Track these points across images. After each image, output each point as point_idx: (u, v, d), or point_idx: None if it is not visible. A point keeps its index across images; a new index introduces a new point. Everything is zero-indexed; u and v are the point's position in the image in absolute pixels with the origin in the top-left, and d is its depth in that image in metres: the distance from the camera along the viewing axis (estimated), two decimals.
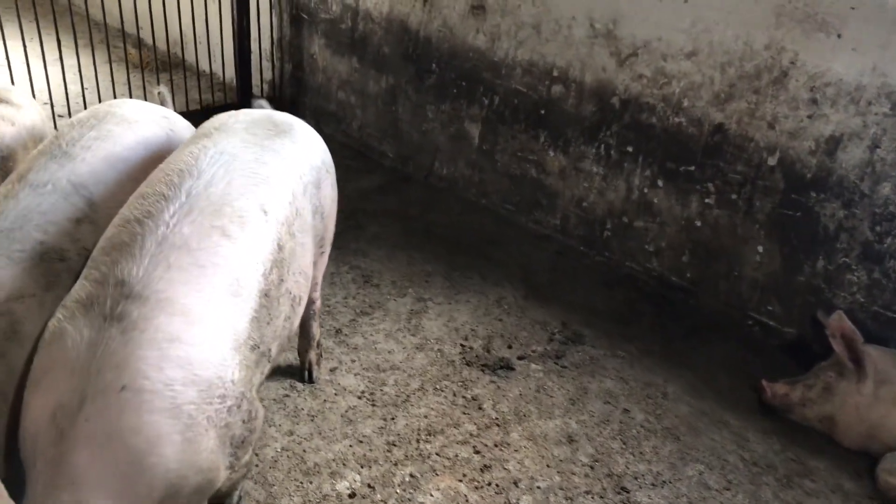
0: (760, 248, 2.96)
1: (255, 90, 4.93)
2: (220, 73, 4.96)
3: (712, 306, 3.17)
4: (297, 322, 2.02)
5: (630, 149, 3.27)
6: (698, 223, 3.13)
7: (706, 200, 3.07)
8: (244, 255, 1.72)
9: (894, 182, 2.58)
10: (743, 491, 2.38)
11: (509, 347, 2.94)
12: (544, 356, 2.91)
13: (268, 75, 4.99)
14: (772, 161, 2.84)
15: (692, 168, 3.08)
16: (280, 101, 4.99)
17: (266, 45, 4.88)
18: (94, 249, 1.68)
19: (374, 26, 4.21)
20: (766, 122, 2.82)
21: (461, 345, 2.93)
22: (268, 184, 1.88)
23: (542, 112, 3.56)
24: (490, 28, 3.65)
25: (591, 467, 2.42)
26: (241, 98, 4.91)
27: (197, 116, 2.63)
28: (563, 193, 3.60)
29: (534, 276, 3.41)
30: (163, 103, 2.56)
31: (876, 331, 2.69)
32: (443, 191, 4.11)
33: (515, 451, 2.46)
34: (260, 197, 1.83)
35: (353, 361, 2.78)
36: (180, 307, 1.53)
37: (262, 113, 2.26)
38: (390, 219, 3.80)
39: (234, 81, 4.90)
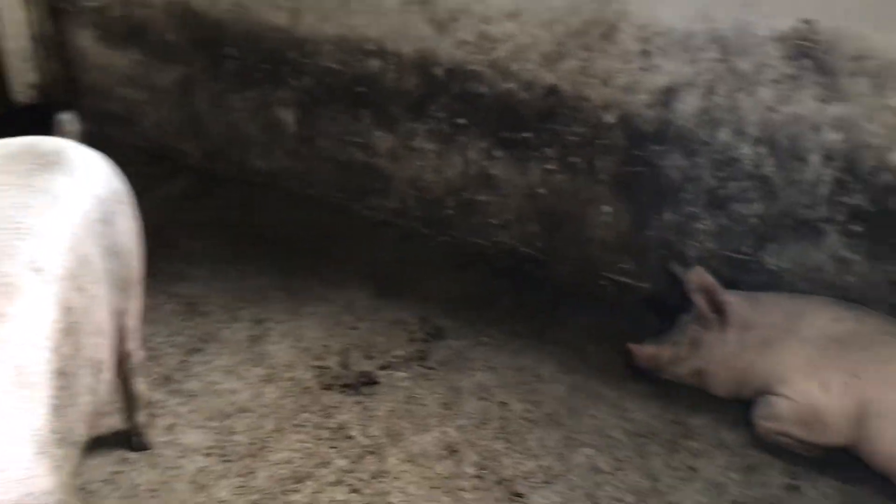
0: (607, 209, 2.87)
1: (20, 97, 4.22)
2: None
3: (566, 273, 3.07)
4: (104, 389, 1.68)
5: (462, 121, 3.06)
6: (541, 190, 2.99)
7: (547, 166, 2.93)
8: (23, 334, 1.35)
9: (731, 127, 2.55)
10: (633, 466, 2.29)
11: (369, 358, 2.67)
12: (408, 360, 2.67)
13: (32, 78, 4.29)
14: (610, 118, 2.73)
15: (528, 134, 2.92)
16: (51, 107, 4.31)
17: (23, 42, 4.16)
18: None
19: (152, 12, 3.67)
20: (600, 80, 2.70)
21: (315, 366, 2.62)
22: (36, 234, 1.50)
23: (361, 90, 3.25)
24: (289, 3, 3.27)
25: (480, 477, 2.24)
26: (3, 108, 4.19)
27: None
28: (397, 175, 3.34)
29: (381, 269, 3.14)
30: None
31: (728, 275, 2.69)
32: (262, 187, 3.71)
33: (395, 478, 2.21)
34: (28, 253, 1.45)
35: (191, 412, 2.40)
36: None
37: (22, 143, 1.81)
38: (207, 229, 3.36)
39: None
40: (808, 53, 2.37)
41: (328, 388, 2.53)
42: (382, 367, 2.63)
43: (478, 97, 2.98)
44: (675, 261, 2.73)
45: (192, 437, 2.30)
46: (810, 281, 2.56)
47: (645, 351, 2.59)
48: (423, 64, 3.07)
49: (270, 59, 3.44)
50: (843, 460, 2.30)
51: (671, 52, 2.55)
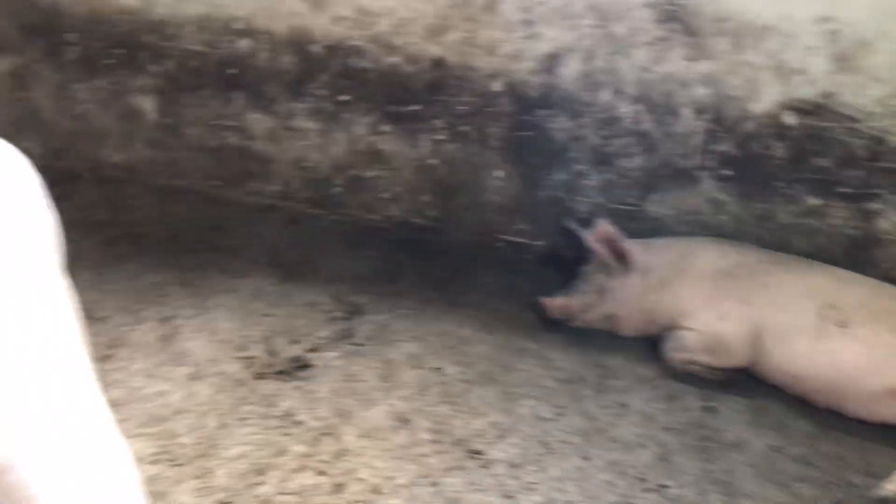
0: (499, 173, 3.02)
1: None
2: None
3: (463, 239, 3.19)
4: None
5: (345, 97, 3.06)
6: (433, 161, 3.08)
7: (437, 137, 3.02)
8: None
9: (611, 88, 2.78)
10: (571, 411, 2.48)
11: (295, 342, 2.63)
12: (334, 340, 2.67)
13: None
14: (497, 87, 2.87)
15: (417, 107, 2.99)
16: None
17: None
18: None
19: None
20: (485, 49, 2.82)
21: (240, 357, 2.54)
22: None
23: (232, 71, 3.14)
24: None
25: (437, 442, 2.31)
26: None
27: None
28: (278, 157, 3.27)
29: (278, 254, 3.08)
30: None
31: (617, 225, 2.94)
32: (124, 182, 3.46)
33: (358, 455, 2.24)
34: None
35: (124, 421, 2.24)
36: None
37: None
38: (75, 231, 3.05)
39: None
40: (676, 17, 2.64)
41: (261, 376, 2.48)
42: (311, 350, 2.61)
43: (361, 72, 3.00)
44: (567, 217, 2.94)
45: (134, 447, 2.16)
46: (689, 224, 2.89)
47: (556, 303, 2.78)
48: (298, 41, 3.02)
49: (123, 45, 3.21)
50: (747, 380, 2.64)
51: (552, 21, 2.73)
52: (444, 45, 2.84)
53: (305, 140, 3.19)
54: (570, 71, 2.78)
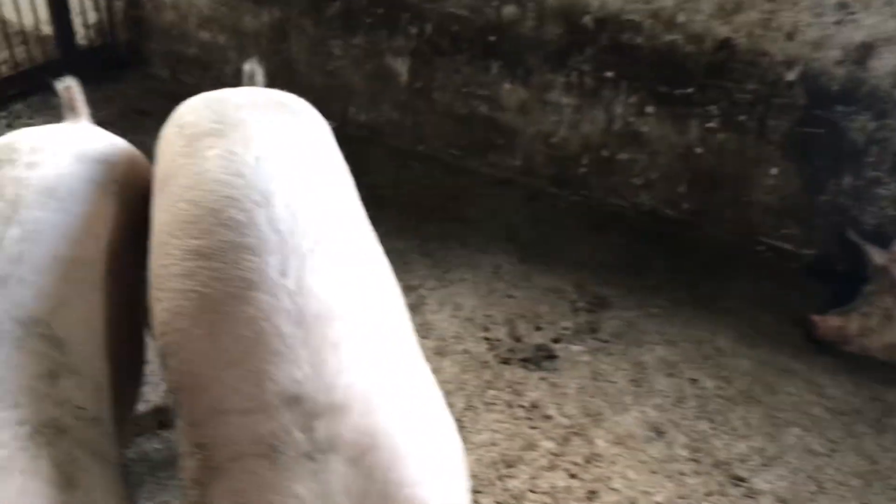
0: (774, 171, 2.72)
1: (78, 39, 3.89)
2: (17, 19, 3.80)
3: (717, 236, 2.93)
4: None
5: (610, 74, 2.86)
6: (699, 150, 2.82)
7: (708, 125, 2.76)
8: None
9: None
10: (846, 447, 2.20)
11: (538, 329, 2.52)
12: (580, 332, 2.52)
13: (92, 17, 3.94)
14: (791, 76, 2.56)
15: (691, 90, 2.74)
16: (114, 50, 4.00)
17: None
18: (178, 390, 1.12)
19: None
20: (784, 33, 2.51)
21: (485, 338, 2.47)
22: (347, 187, 1.49)
23: (493, 39, 3.02)
24: None
25: (695, 461, 2.12)
26: (64, 51, 3.86)
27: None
28: (525, 130, 3.14)
29: (516, 231, 2.97)
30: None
31: None
32: (366, 141, 3.48)
33: (612, 462, 2.09)
34: (356, 211, 1.41)
35: None
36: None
37: (266, 94, 1.61)
38: None
39: (46, 30, 3.82)
40: None
41: (506, 361, 2.38)
42: (555, 340, 2.48)
43: (632, 49, 2.78)
44: (850, 228, 2.61)
45: None
46: None
47: (830, 322, 2.48)
48: (569, 12, 2.84)
49: (384, 4, 3.18)
50: None
51: (872, 5, 2.37)
52: (734, 24, 2.56)
53: (557, 115, 3.03)
54: (884, 64, 2.42)
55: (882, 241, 2.56)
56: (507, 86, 3.07)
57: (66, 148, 1.50)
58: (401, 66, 3.27)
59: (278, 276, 1.11)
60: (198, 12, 3.66)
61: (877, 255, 2.53)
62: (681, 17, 2.64)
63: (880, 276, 2.47)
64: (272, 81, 3.64)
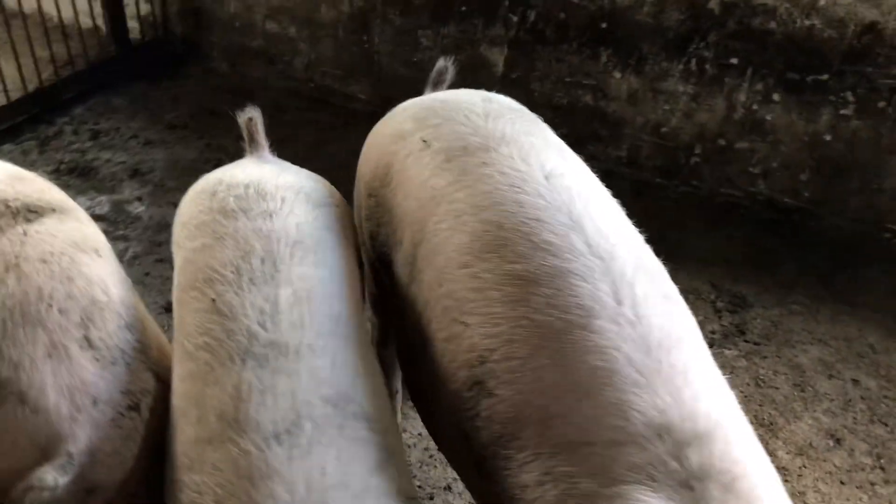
0: None
1: (131, 33, 3.69)
2: (58, 14, 3.56)
3: (840, 226, 2.85)
4: None
5: (735, 60, 2.75)
6: (828, 137, 2.73)
7: (842, 112, 2.67)
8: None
9: None
10: None
11: None
12: (728, 336, 2.45)
13: (144, 9, 3.74)
14: None
15: (825, 77, 2.64)
16: (169, 44, 3.81)
17: None
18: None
19: None
20: None
21: None
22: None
23: (604, 26, 2.89)
24: None
25: (881, 468, 2.07)
26: (118, 46, 3.67)
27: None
28: (633, 121, 3.02)
29: None
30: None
31: None
32: None
33: (799, 476, 2.03)
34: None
35: None
36: None
37: (494, 99, 1.52)
38: None
39: (97, 25, 3.62)
40: None
41: None
42: (709, 345, 2.40)
43: (762, 34, 2.67)
44: None
45: None
46: None
47: None
48: None
49: None
50: None
51: None
52: (884, 8, 2.45)
53: (671, 104, 2.92)
54: None
55: None
56: (616, 75, 2.94)
57: (292, 192, 1.39)
58: (497, 56, 3.13)
59: (615, 303, 1.09)
60: (266, 2, 3.47)
61: None
62: (822, 2, 2.53)
63: None
64: (350, 74, 3.50)
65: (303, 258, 1.25)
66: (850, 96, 2.62)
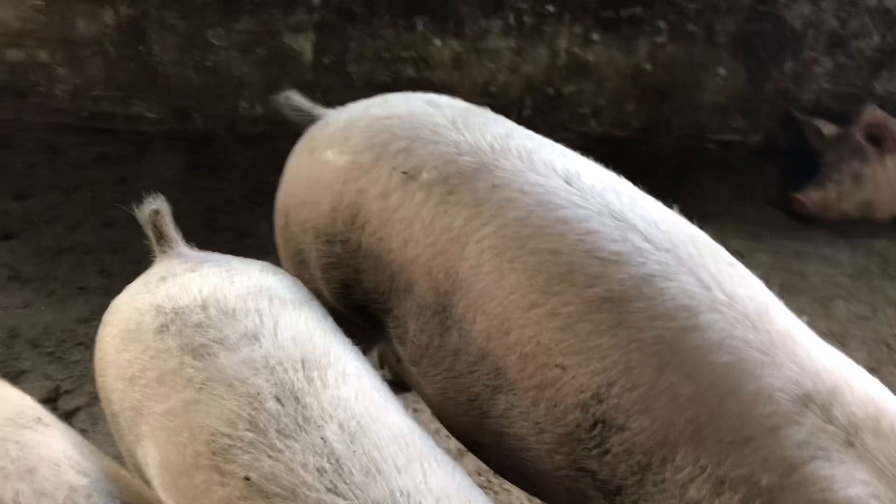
0: (722, 71, 2.86)
1: None
2: None
3: (666, 145, 3.04)
4: None
5: (551, 8, 2.76)
6: (648, 67, 2.86)
7: (657, 40, 2.80)
8: None
9: None
10: (882, 303, 2.49)
11: None
12: None
13: None
14: None
15: (638, 10, 2.74)
16: None
17: None
18: None
19: None
20: None
21: None
22: None
23: None
24: None
25: None
26: None
27: None
28: (462, 84, 2.94)
29: None
30: None
31: (837, 108, 2.88)
32: (267, 138, 3.02)
33: None
34: None
35: None
36: None
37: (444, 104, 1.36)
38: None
39: None
40: None
41: None
42: None
43: None
44: (792, 107, 2.85)
45: None
46: None
47: (813, 197, 2.72)
48: None
49: None
50: None
51: None
52: None
53: (495, 61, 2.88)
54: None
55: (823, 116, 2.83)
56: (437, 42, 2.83)
57: (262, 298, 1.16)
58: (303, 43, 2.87)
59: (705, 291, 1.06)
60: (3, 26, 2.87)
61: (826, 128, 2.79)
62: None
63: (838, 144, 2.74)
64: (130, 93, 3.04)
65: (323, 378, 1.00)
66: (662, 24, 2.76)
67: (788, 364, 1.05)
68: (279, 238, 1.53)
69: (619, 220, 1.15)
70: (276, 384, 0.94)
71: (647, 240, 1.13)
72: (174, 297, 1.07)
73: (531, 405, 1.15)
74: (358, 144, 1.32)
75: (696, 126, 2.99)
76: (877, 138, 2.66)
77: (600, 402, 1.07)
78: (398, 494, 0.87)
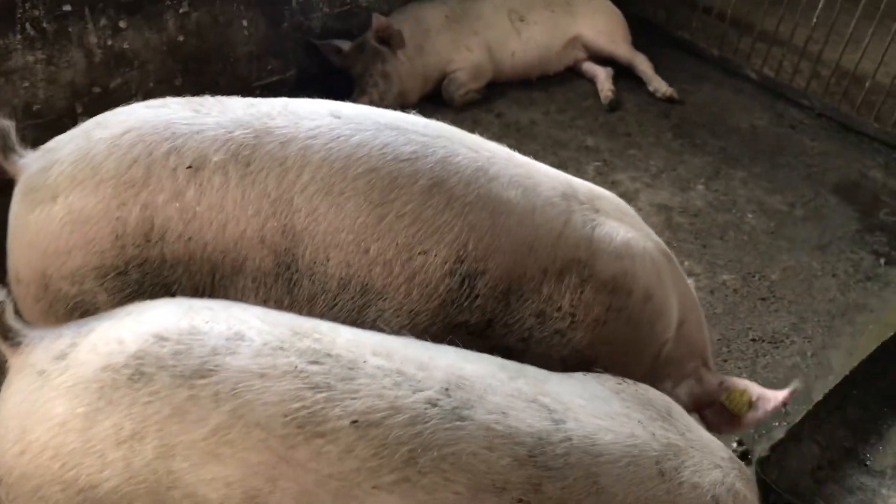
0: (245, 23, 3.08)
1: None
2: None
3: None
4: None
5: (68, 7, 2.61)
6: (181, 38, 2.93)
7: (181, 10, 2.88)
8: None
9: None
10: None
11: None
12: None
13: None
14: None
15: None
16: None
17: None
18: None
19: None
20: None
21: None
22: None
23: None
24: None
25: None
26: None
27: None
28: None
29: None
30: None
31: (340, 27, 3.39)
32: None
33: None
34: None
35: None
36: None
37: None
38: None
39: None
40: None
41: None
42: None
43: None
44: (309, 37, 3.27)
45: None
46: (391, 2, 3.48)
47: (365, 102, 3.20)
48: None
49: None
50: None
51: None
52: None
53: (29, 78, 2.64)
54: None
55: (335, 37, 3.30)
56: None
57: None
58: None
59: (476, 153, 1.48)
60: None
61: (343, 45, 3.28)
62: None
63: (359, 56, 3.25)
64: None
65: (320, 338, 1.11)
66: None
67: (544, 180, 1.52)
68: (34, 307, 1.40)
69: (395, 129, 1.42)
70: (298, 354, 1.02)
71: (421, 134, 1.43)
72: (113, 352, 1.00)
73: (404, 298, 1.39)
74: (116, 167, 1.30)
75: (241, 79, 3.19)
76: (385, 40, 3.23)
77: (462, 261, 1.37)
78: (448, 372, 1.09)
